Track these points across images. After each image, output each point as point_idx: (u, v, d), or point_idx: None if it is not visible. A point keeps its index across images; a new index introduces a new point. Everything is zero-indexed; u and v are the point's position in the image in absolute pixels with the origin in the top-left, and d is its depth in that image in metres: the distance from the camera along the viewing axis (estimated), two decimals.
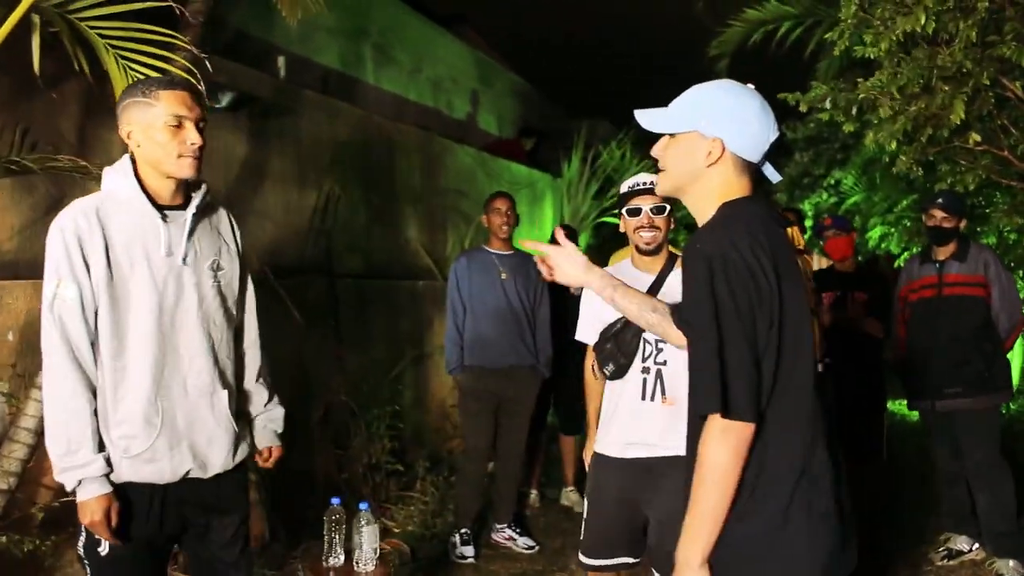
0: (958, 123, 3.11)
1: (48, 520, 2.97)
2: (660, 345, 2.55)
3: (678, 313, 1.75)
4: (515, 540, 4.34)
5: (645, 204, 2.61)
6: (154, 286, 1.95)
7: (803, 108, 3.91)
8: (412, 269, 5.70)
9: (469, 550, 4.17)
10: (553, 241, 2.02)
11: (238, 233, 2.18)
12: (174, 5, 2.54)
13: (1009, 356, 4.08)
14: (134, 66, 2.53)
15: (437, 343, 5.44)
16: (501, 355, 4.20)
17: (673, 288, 2.58)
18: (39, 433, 2.69)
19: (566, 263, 1.89)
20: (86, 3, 2.42)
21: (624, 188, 2.72)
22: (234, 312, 2.15)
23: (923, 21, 3.05)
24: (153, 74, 2.59)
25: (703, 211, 1.65)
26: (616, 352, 2.59)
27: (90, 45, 2.55)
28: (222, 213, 2.15)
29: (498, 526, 4.41)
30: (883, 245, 7.91)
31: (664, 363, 2.56)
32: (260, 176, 4.42)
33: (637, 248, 2.67)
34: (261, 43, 5.26)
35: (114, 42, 2.47)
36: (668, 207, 2.63)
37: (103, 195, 1.97)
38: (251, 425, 2.24)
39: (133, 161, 1.98)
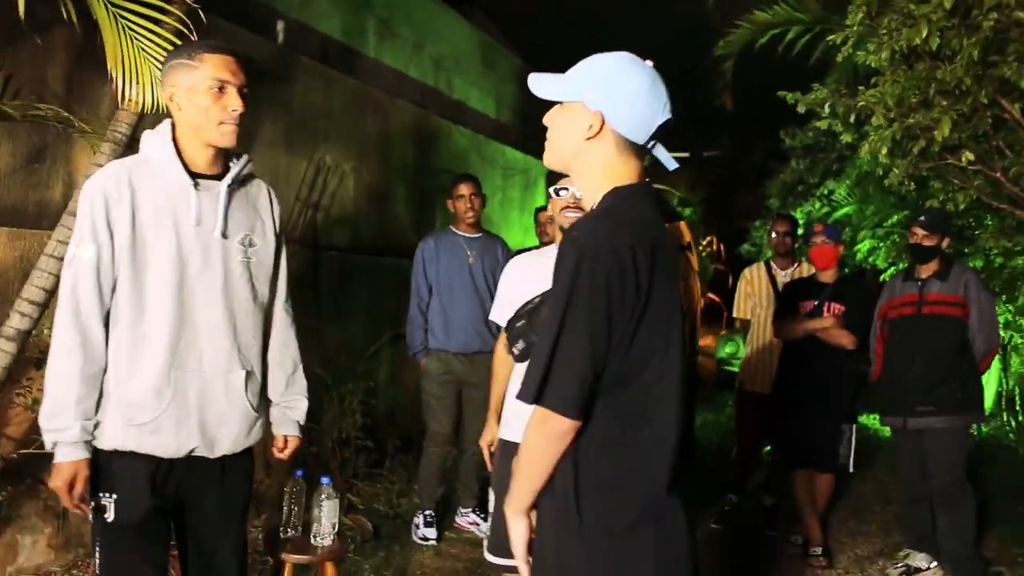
0: (941, 140, 3.10)
1: (7, 471, 2.95)
2: None
3: None
4: (478, 525, 4.34)
5: (572, 184, 2.56)
6: (178, 256, 1.90)
7: (801, 109, 3.89)
8: (398, 247, 5.66)
9: (431, 532, 4.17)
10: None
11: (276, 211, 2.11)
12: None
13: (984, 378, 4.11)
14: (126, 15, 2.48)
15: None
16: (467, 340, 4.17)
17: None
18: (2, 382, 2.66)
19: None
20: None
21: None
22: (264, 292, 2.08)
23: (925, 34, 3.04)
24: (147, 25, 2.55)
25: (589, 192, 1.60)
26: (528, 330, 2.49)
27: None
28: (262, 187, 2.10)
29: (462, 510, 4.42)
30: (870, 259, 7.93)
31: None
32: (249, 140, 4.37)
33: (562, 228, 2.63)
34: (263, 7, 5.19)
35: None
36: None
37: (138, 159, 1.94)
38: (269, 411, 2.18)
39: (173, 127, 1.95)
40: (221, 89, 1.89)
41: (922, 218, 3.81)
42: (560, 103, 1.60)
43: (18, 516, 3.08)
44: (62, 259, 2.74)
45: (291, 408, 2.21)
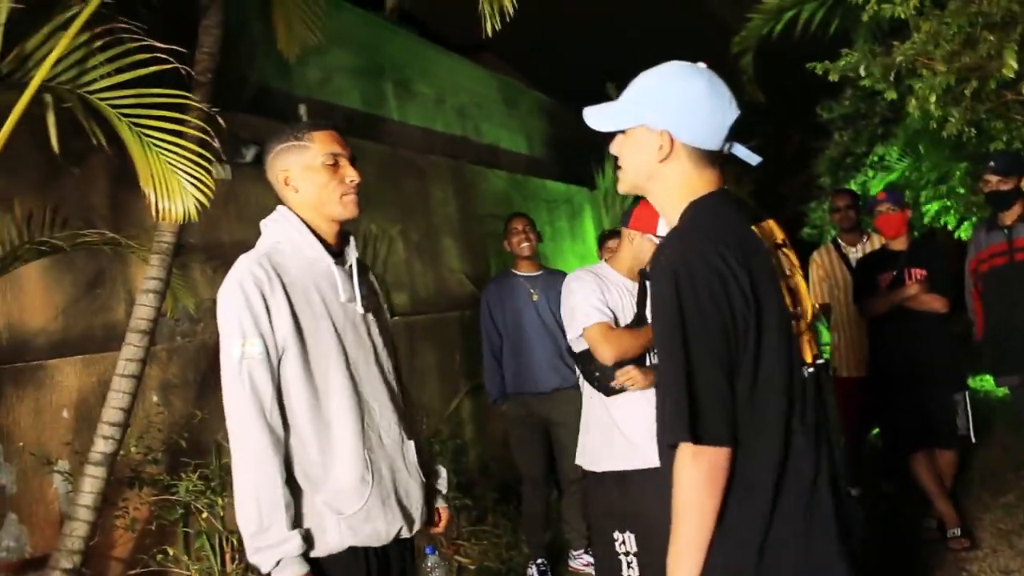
0: (1011, 74, 2.89)
1: None
2: None
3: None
4: (594, 566, 4.19)
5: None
6: (336, 334, 1.84)
7: (833, 77, 3.72)
8: (457, 299, 5.64)
9: None
10: None
11: (375, 279, 2.09)
12: (180, 67, 2.52)
13: None
14: (148, 132, 2.52)
15: None
16: (543, 378, 4.09)
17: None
18: (97, 508, 2.68)
19: None
20: (95, 75, 2.42)
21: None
22: (393, 361, 2.03)
23: None
24: (170, 138, 2.58)
25: (668, 211, 1.52)
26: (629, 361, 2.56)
27: (105, 117, 2.55)
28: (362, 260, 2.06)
29: (574, 553, 4.29)
30: (941, 219, 7.59)
31: None
32: None
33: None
34: (283, 95, 5.29)
35: (126, 111, 2.47)
36: None
37: (267, 246, 1.87)
38: None
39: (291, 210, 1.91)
40: (335, 163, 1.88)
41: (992, 163, 3.63)
42: (623, 131, 1.54)
43: None
44: (135, 377, 2.79)
45: (437, 479, 2.13)
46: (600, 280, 2.74)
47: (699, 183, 1.48)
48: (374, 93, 6.46)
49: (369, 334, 1.93)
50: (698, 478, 1.34)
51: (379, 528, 1.82)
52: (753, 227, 1.48)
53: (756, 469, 1.38)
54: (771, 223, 1.54)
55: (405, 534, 1.89)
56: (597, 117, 1.55)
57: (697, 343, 1.34)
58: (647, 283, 2.66)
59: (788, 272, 1.50)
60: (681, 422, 1.34)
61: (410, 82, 6.94)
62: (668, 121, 1.46)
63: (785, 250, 1.53)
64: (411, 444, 1.94)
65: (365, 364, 1.89)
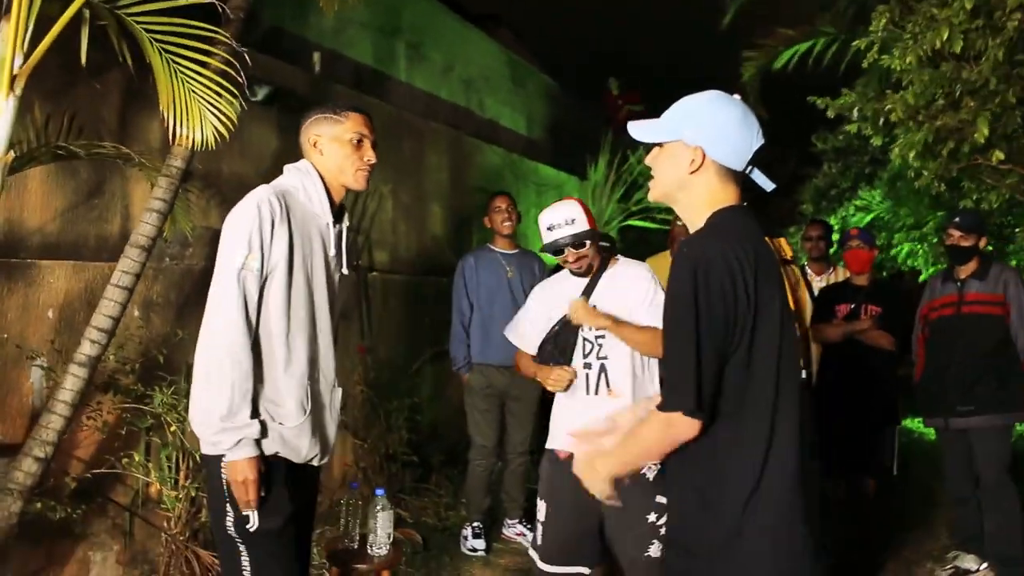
0: (982, 141, 3.11)
1: (80, 490, 3.10)
2: (600, 342, 2.72)
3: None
4: (525, 535, 4.41)
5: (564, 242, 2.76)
6: (312, 280, 2.12)
7: (831, 114, 3.94)
8: (437, 266, 5.78)
9: (480, 543, 4.25)
10: None
11: (357, 254, 2.30)
12: (215, 1, 2.63)
13: None
14: (176, 59, 2.63)
15: None
16: (507, 352, 4.25)
17: (606, 286, 2.79)
18: (75, 406, 2.81)
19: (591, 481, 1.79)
20: None
21: (546, 235, 2.80)
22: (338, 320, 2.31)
23: (946, 36, 3.08)
24: (195, 67, 2.70)
25: (693, 219, 1.74)
26: (555, 351, 2.79)
27: (135, 38, 2.66)
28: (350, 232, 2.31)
29: (509, 521, 4.49)
30: (910, 262, 7.88)
31: (606, 358, 2.71)
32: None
33: (571, 271, 2.86)
34: (296, 38, 5.36)
35: (158, 36, 2.58)
36: (587, 241, 2.76)
37: (285, 187, 2.12)
38: None
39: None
40: (360, 142, 2.18)
41: (957, 219, 3.83)
42: (660, 145, 1.75)
43: (89, 534, 3.23)
44: (128, 289, 2.92)
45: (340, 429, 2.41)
46: (553, 293, 2.94)
47: (722, 196, 1.71)
48: (385, 51, 6.53)
49: (336, 291, 2.21)
50: (666, 439, 1.60)
51: (303, 448, 2.10)
52: (766, 239, 1.71)
53: (739, 455, 1.60)
54: (782, 240, 1.78)
55: (316, 462, 2.18)
56: (641, 130, 1.77)
57: (703, 330, 1.56)
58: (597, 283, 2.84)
59: (793, 286, 1.73)
60: (675, 393, 1.58)
61: (422, 46, 7.01)
62: (703, 138, 1.69)
63: (792, 266, 1.75)
64: (339, 391, 2.24)
65: (325, 314, 2.17)
